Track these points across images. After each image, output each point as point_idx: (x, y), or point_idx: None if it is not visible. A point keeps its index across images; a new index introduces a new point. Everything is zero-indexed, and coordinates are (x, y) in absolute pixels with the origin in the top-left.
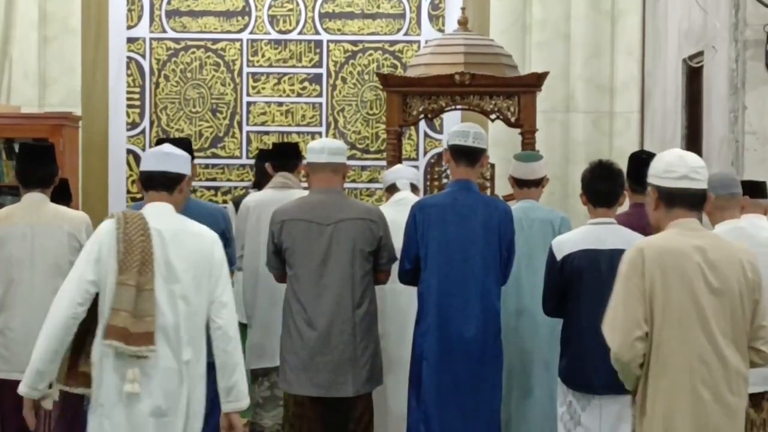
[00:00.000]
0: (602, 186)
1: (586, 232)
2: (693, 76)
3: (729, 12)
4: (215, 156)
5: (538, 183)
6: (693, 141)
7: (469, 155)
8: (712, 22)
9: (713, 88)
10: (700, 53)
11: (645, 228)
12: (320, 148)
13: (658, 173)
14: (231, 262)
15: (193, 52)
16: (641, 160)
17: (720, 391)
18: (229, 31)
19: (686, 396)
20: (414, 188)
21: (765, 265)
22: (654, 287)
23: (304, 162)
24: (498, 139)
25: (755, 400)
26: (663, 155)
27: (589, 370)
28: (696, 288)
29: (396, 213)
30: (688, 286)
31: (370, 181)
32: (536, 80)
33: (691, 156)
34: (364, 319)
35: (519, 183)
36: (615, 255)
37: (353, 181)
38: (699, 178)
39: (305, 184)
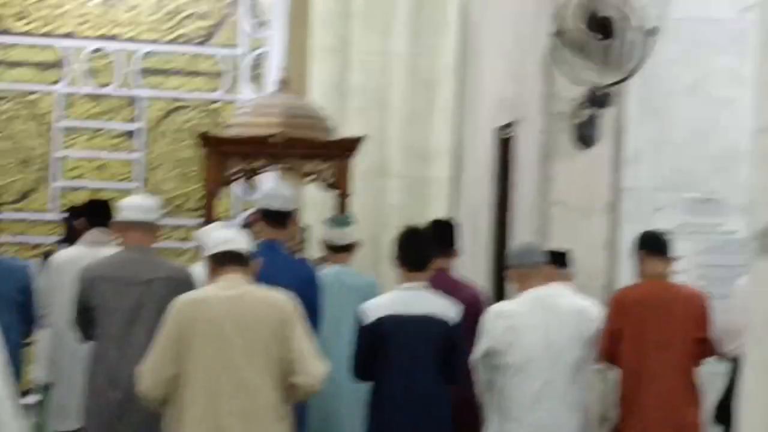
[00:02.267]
0: (413, 251)
1: (396, 297)
2: (504, 146)
3: (541, 84)
4: (24, 210)
5: (350, 248)
6: (503, 208)
7: (277, 217)
8: (524, 93)
9: (523, 157)
10: (512, 123)
11: (444, 291)
12: (133, 206)
13: (208, 247)
14: (32, 320)
15: (5, 104)
16: (442, 226)
17: (250, 424)
18: (43, 83)
19: (210, 429)
20: None
21: (568, 327)
22: (185, 333)
23: (116, 219)
24: (314, 201)
25: None
26: (207, 233)
27: None
28: (225, 332)
29: None
30: (216, 331)
31: (184, 239)
32: (353, 144)
33: (230, 230)
34: None
35: (331, 247)
36: (424, 320)
37: (167, 239)
38: (239, 241)
39: (118, 241)
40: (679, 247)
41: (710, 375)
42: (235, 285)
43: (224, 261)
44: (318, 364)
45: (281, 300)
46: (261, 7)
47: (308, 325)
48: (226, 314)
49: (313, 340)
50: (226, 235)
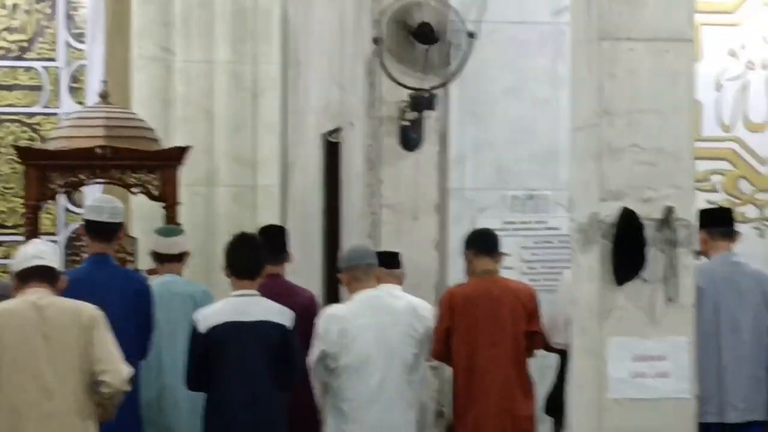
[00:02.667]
0: (244, 259)
1: (230, 305)
2: (332, 152)
3: (365, 89)
4: None
5: (180, 257)
6: (332, 214)
7: (104, 230)
8: (349, 99)
9: (351, 162)
10: (339, 129)
11: (277, 297)
12: None
13: (15, 265)
14: None
15: None
16: (272, 232)
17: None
18: None
19: None
20: None
21: (401, 327)
22: None
23: None
24: (141, 213)
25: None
26: (20, 250)
27: None
28: (29, 339)
29: None
30: (21, 338)
31: (6, 257)
32: (178, 154)
33: (39, 246)
34: None
35: (160, 257)
36: (258, 326)
37: None
38: (47, 258)
39: None
40: (505, 244)
41: (541, 368)
42: (41, 297)
43: (31, 276)
44: (124, 366)
45: (86, 308)
46: (79, 19)
47: (142, 336)
48: (32, 324)
49: (118, 349)
50: (34, 251)
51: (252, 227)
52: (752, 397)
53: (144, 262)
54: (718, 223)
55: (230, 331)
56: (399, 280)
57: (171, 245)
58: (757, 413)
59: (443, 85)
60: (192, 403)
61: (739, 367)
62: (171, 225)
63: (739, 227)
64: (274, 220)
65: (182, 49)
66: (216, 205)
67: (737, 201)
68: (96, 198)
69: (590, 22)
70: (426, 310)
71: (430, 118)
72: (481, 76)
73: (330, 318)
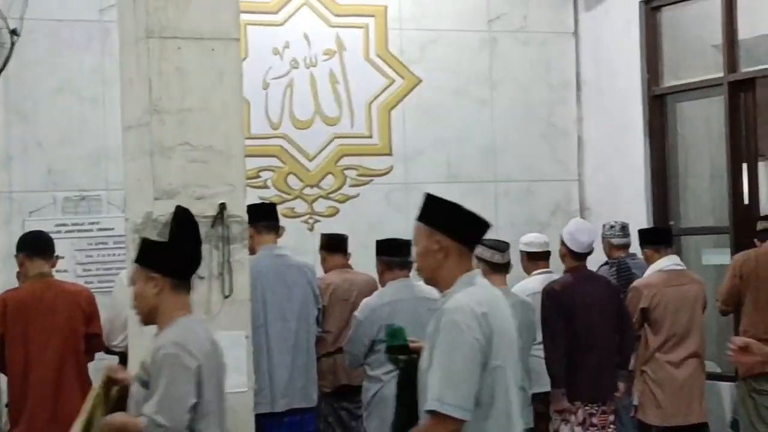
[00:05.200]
0: None
1: None
2: None
3: None
4: None
5: None
6: None
7: None
8: None
9: None
10: None
11: None
12: None
13: None
14: None
15: None
16: None
17: None
18: None
19: None
20: None
21: None
22: None
23: None
24: None
25: None
26: None
27: None
28: None
29: None
30: None
31: None
32: None
33: None
34: None
35: None
36: None
37: None
38: None
39: None
40: (58, 246)
41: (100, 371)
42: None
43: None
44: None
45: None
46: None
47: None
48: None
49: None
50: None
51: None
52: (292, 384)
53: None
54: (262, 217)
55: None
56: None
57: None
58: (297, 400)
59: None
60: None
61: (285, 357)
62: None
63: (289, 222)
64: None
65: None
66: None
67: (287, 196)
68: None
69: (137, 20)
70: None
71: None
72: (26, 75)
73: None
